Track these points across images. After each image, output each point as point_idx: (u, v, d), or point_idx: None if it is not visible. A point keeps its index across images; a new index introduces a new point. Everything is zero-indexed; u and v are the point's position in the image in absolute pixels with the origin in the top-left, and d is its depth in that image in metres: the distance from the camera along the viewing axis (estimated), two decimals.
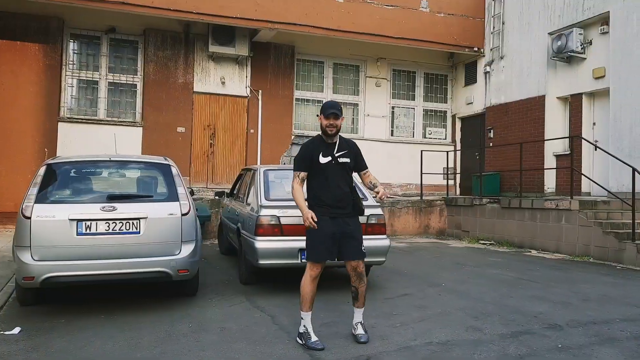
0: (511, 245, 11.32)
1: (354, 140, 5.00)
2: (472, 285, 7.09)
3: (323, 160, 4.59)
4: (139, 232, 5.34)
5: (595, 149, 11.13)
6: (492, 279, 7.51)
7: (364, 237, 6.38)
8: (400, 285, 7.01)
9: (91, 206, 5.30)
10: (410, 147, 14.78)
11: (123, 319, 5.22)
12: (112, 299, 6.03)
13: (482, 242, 11.94)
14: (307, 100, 14.28)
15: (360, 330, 4.63)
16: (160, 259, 5.39)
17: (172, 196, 5.64)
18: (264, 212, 6.25)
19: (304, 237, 6.18)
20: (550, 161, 12.47)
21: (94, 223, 5.22)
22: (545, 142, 12.33)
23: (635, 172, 9.11)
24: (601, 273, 8.13)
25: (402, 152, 14.64)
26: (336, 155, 4.61)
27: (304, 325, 4.53)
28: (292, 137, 13.88)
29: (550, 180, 12.55)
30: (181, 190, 5.70)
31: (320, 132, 4.71)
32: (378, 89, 14.81)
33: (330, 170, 4.59)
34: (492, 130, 14.13)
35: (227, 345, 4.48)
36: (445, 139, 15.68)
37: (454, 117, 15.69)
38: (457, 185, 15.37)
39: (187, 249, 5.56)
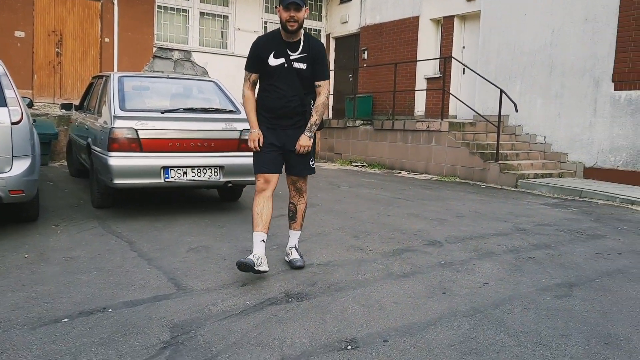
0: (383, 167, 11.36)
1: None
2: (348, 204, 6.85)
3: (273, 62, 3.74)
4: None
5: (464, 72, 11.29)
6: (368, 199, 7.34)
7: (236, 154, 5.85)
8: (275, 207, 6.54)
9: None
10: None
11: None
12: None
13: (354, 164, 11.87)
14: (172, 9, 12.87)
15: (295, 255, 4.12)
16: None
17: None
18: (118, 123, 5.34)
19: (168, 154, 5.50)
20: (421, 84, 12.52)
21: None
22: (417, 64, 12.31)
23: (503, 95, 9.33)
24: (468, 191, 8.33)
25: None
26: (291, 58, 3.73)
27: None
28: (154, 49, 12.53)
29: (420, 104, 12.67)
30: (10, 94, 4.61)
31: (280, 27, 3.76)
32: (250, 1, 13.75)
33: (279, 75, 3.76)
34: (366, 51, 13.86)
35: (72, 277, 3.72)
36: None
37: (328, 36, 15.16)
38: (330, 107, 15.07)
39: (20, 166, 4.57)
